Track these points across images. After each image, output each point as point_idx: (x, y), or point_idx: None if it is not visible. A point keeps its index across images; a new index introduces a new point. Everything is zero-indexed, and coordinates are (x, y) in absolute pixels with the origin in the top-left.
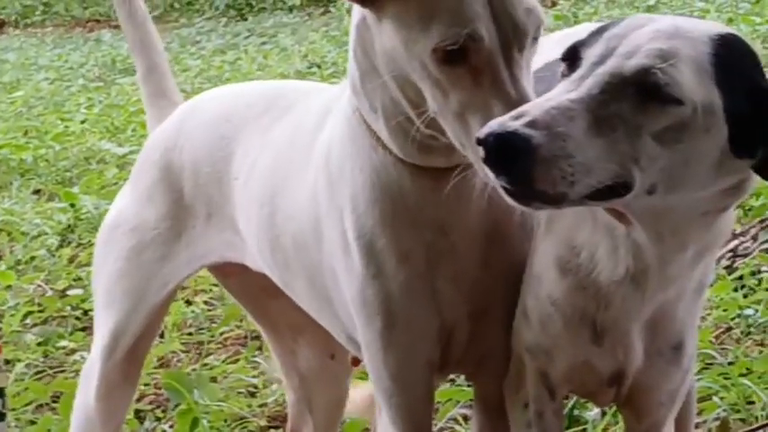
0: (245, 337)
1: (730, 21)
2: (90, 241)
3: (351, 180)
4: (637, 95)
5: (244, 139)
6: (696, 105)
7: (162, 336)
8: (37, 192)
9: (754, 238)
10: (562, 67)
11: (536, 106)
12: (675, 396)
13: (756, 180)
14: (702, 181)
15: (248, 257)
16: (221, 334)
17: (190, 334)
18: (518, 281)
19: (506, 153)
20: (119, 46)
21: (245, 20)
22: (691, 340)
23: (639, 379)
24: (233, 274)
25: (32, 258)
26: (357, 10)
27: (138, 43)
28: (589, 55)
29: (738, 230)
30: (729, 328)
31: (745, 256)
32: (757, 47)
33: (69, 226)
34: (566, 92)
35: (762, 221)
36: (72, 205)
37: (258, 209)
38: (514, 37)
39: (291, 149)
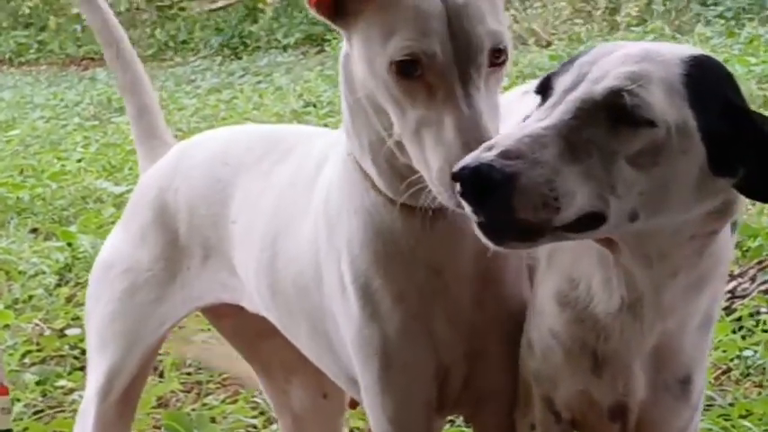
0: None
1: (726, 61)
2: (88, 281)
3: (347, 223)
4: (608, 119)
5: (242, 183)
6: (669, 126)
7: (161, 375)
8: (34, 230)
9: (753, 279)
10: (536, 100)
11: (507, 137)
12: None
13: (743, 201)
14: (685, 203)
15: (245, 299)
16: (220, 374)
17: (189, 374)
18: (515, 322)
19: (483, 185)
20: (114, 84)
21: (240, 59)
22: (700, 375)
23: (647, 414)
24: (226, 316)
25: (30, 297)
26: (343, 48)
27: (127, 84)
28: (560, 83)
29: (737, 271)
30: (729, 369)
31: (744, 297)
32: (752, 87)
33: (67, 265)
34: (538, 120)
35: (760, 262)
36: (69, 244)
37: (259, 252)
38: (471, 55)
39: (293, 193)
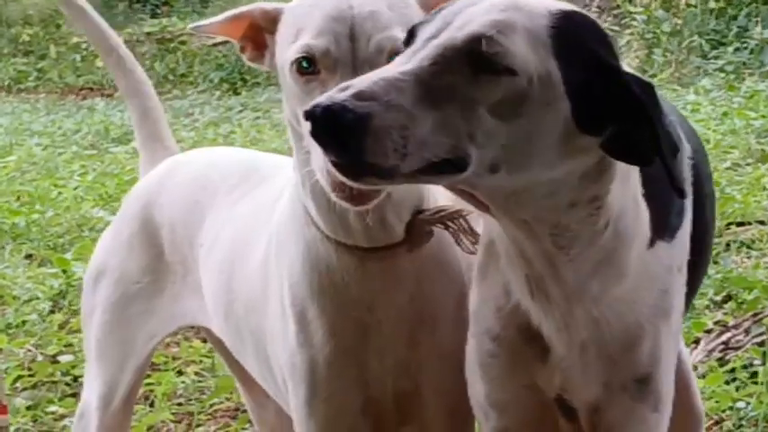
0: (236, 410)
1: (725, 114)
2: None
3: (291, 250)
4: (469, 66)
5: (213, 209)
6: (531, 76)
7: (152, 405)
8: (29, 256)
9: (747, 332)
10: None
11: (363, 80)
12: None
13: (622, 168)
14: (549, 159)
15: (212, 322)
16: (211, 405)
17: (180, 404)
18: (449, 365)
19: (335, 125)
20: (112, 114)
21: (239, 94)
22: (662, 377)
23: (606, 416)
24: None
25: (23, 322)
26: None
27: (129, 89)
28: (425, 31)
29: (731, 323)
30: (721, 420)
31: (738, 348)
32: (751, 141)
33: (61, 292)
34: (396, 65)
35: (754, 315)
36: (64, 271)
37: (217, 274)
38: (369, 55)
39: (253, 222)
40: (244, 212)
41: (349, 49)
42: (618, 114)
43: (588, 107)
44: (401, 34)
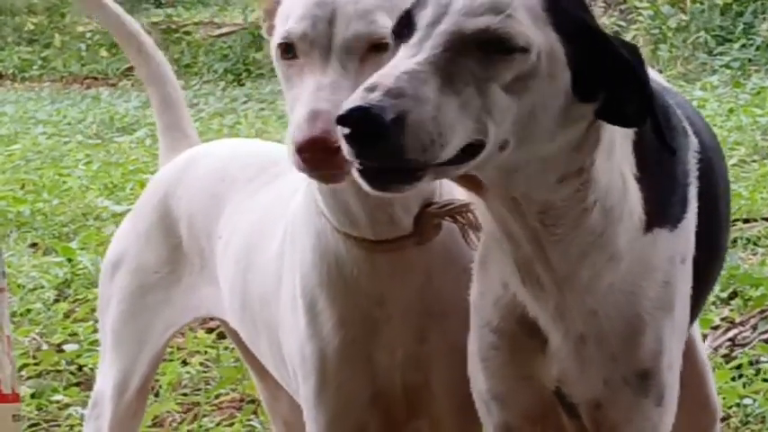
0: (241, 401)
1: (731, 111)
2: (86, 297)
3: (302, 240)
4: (480, 50)
5: (231, 200)
6: (540, 51)
7: (157, 395)
8: (33, 245)
9: (754, 328)
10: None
11: (384, 76)
12: None
13: (606, 140)
14: (550, 130)
15: (228, 314)
16: (217, 396)
17: (185, 394)
18: (463, 358)
19: (375, 126)
20: (117, 104)
21: (243, 85)
22: (664, 372)
23: (608, 412)
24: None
25: (28, 311)
26: None
27: (150, 76)
28: (422, 17)
29: (738, 320)
30: (728, 417)
31: (744, 345)
32: (757, 138)
33: (66, 281)
34: (408, 57)
35: (762, 312)
36: (69, 260)
37: (234, 265)
38: (347, 41)
39: (271, 213)
40: (261, 204)
41: (325, 32)
42: (610, 78)
43: (584, 75)
44: (386, 21)
